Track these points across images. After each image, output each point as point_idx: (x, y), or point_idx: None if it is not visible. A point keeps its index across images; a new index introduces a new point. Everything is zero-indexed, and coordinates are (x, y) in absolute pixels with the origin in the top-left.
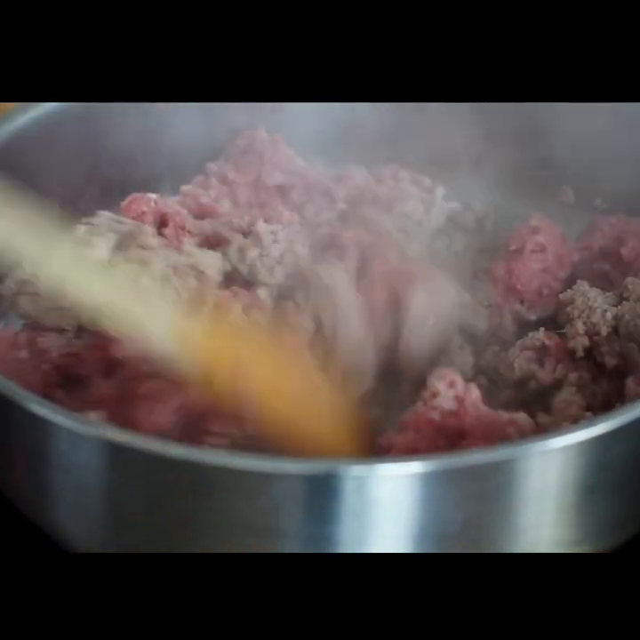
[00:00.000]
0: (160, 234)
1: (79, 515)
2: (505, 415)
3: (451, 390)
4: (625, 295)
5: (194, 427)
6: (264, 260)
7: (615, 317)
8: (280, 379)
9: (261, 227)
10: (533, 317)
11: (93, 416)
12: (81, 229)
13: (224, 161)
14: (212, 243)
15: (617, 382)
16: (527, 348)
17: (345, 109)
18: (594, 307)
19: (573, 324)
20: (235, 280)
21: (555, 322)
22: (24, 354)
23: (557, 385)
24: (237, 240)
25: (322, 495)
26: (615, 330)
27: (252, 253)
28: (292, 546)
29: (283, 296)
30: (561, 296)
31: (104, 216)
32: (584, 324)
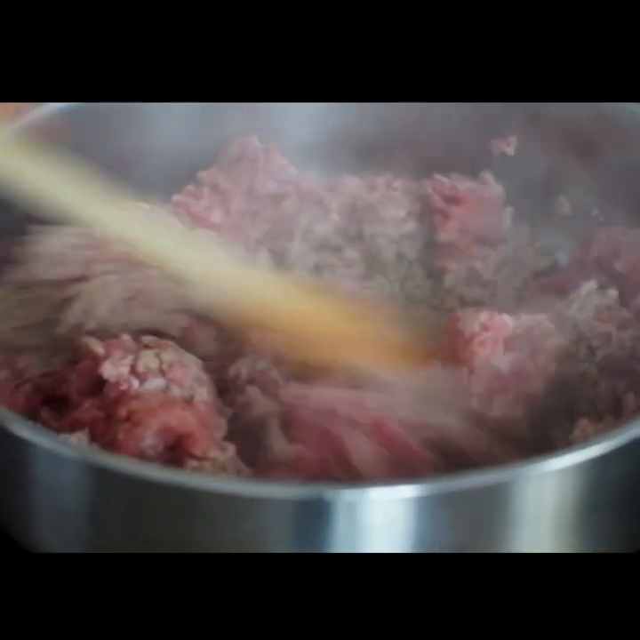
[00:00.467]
0: None
1: (60, 536)
2: None
3: None
4: None
5: (175, 450)
6: None
7: None
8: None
9: None
10: None
11: (76, 437)
12: None
13: (216, 169)
14: None
15: None
16: None
17: (338, 117)
18: None
19: None
20: None
21: None
22: (3, 374)
23: None
24: None
25: (311, 520)
26: None
27: None
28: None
29: None
30: None
31: None
32: None
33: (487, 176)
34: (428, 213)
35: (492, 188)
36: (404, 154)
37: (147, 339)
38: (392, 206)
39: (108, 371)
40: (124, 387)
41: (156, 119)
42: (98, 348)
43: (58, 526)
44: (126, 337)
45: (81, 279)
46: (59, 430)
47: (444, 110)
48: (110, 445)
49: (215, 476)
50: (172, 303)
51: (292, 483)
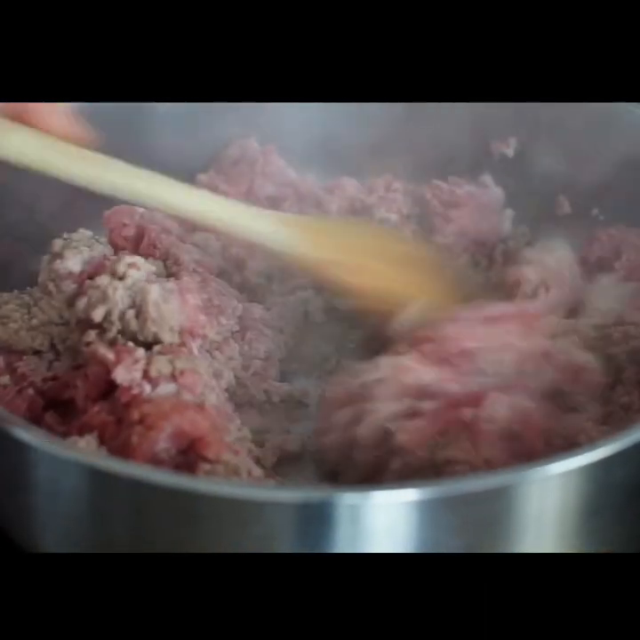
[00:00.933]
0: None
1: (63, 540)
2: None
3: None
4: None
5: (188, 454)
6: None
7: None
8: None
9: None
10: None
11: (84, 441)
12: (57, 243)
13: (215, 172)
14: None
15: None
16: None
17: (337, 119)
18: None
19: None
20: None
21: None
22: (5, 380)
23: None
24: None
25: (316, 523)
26: None
27: None
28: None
29: None
30: None
31: (84, 234)
32: None
33: (487, 179)
34: (427, 215)
35: (492, 191)
36: (404, 155)
37: (158, 347)
38: (391, 208)
39: (121, 375)
40: (135, 391)
41: (155, 121)
42: (108, 354)
43: (61, 530)
44: (131, 344)
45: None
46: (64, 435)
47: (443, 111)
48: (121, 449)
49: (220, 480)
50: None
51: (296, 487)
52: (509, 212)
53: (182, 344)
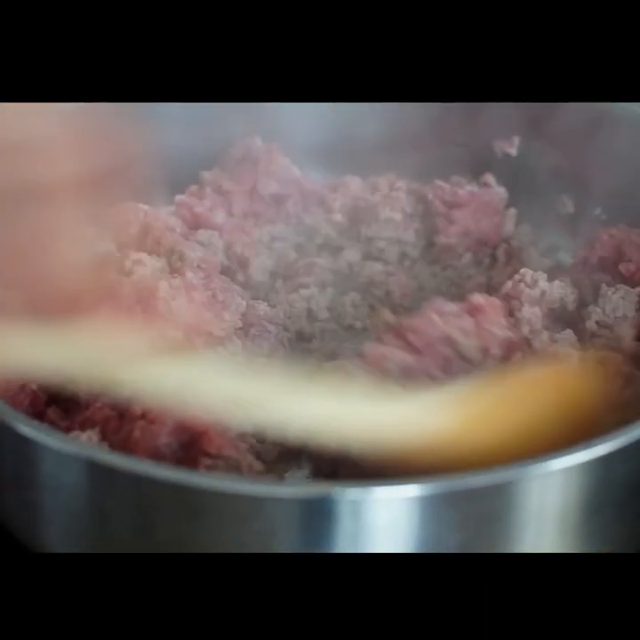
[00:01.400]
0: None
1: (67, 536)
2: None
3: None
4: None
5: (190, 448)
6: None
7: None
8: None
9: None
10: None
11: (86, 436)
12: None
13: (219, 170)
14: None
15: None
16: None
17: (341, 118)
18: None
19: None
20: None
21: None
22: None
23: None
24: None
25: (317, 519)
26: None
27: None
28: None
29: None
30: None
31: None
32: None
33: (489, 178)
34: (430, 215)
35: (494, 191)
36: (407, 154)
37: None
38: (395, 207)
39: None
40: None
41: (159, 120)
42: None
43: (63, 525)
44: None
45: None
46: (67, 430)
47: (446, 110)
48: (123, 443)
49: (221, 476)
50: None
51: (297, 482)
52: (513, 212)
53: (187, 341)
